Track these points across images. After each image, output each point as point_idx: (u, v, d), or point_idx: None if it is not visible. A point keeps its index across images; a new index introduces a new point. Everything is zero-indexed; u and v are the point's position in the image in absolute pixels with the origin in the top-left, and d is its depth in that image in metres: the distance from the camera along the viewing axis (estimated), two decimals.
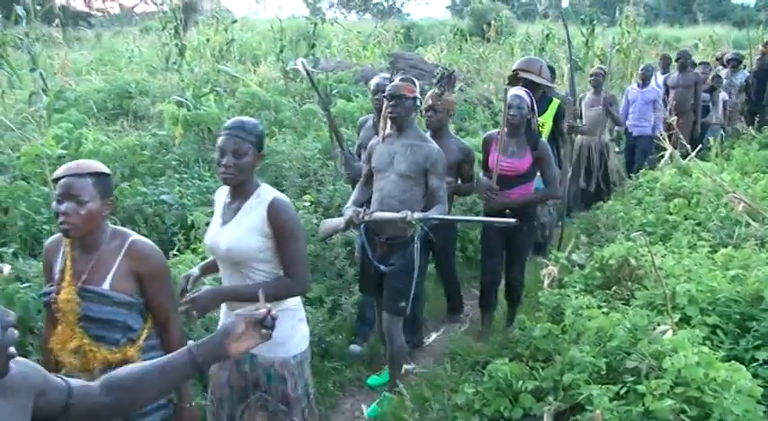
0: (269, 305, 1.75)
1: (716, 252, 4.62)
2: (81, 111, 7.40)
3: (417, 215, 3.65)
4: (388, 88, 3.88)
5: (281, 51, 10.82)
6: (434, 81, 4.25)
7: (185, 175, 5.81)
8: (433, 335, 5.08)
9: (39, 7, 8.08)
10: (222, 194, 2.89)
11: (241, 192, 2.73)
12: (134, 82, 9.24)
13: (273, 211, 2.63)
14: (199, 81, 8.92)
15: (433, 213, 3.73)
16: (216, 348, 1.65)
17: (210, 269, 3.00)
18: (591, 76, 7.90)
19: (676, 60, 9.62)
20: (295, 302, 2.86)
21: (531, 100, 4.56)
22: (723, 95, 10.11)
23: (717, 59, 12.26)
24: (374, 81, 4.81)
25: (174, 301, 2.57)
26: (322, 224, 4.22)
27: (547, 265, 4.55)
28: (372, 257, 3.96)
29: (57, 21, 11.41)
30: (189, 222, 4.65)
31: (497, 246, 4.79)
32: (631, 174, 8.27)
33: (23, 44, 7.09)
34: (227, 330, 1.67)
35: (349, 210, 3.89)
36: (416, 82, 3.92)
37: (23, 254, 4.29)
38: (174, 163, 6.05)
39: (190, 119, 6.60)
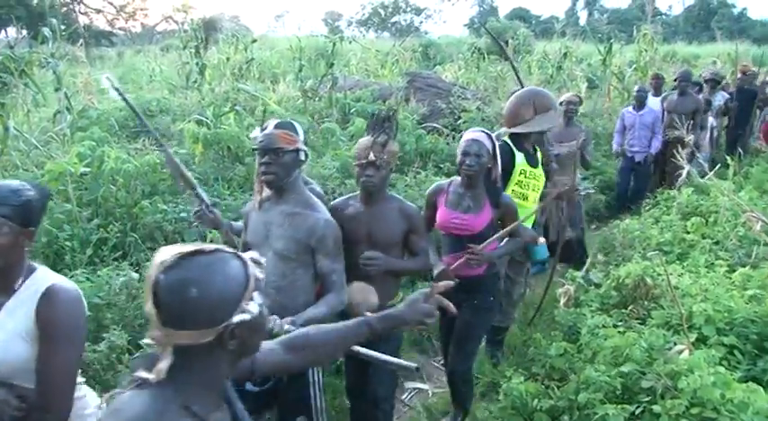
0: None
1: (734, 271, 4.62)
2: (103, 129, 7.52)
3: (288, 323, 2.64)
4: (259, 139, 2.96)
5: (300, 70, 10.92)
6: (370, 126, 3.30)
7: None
8: None
9: (63, 26, 8.24)
10: None
11: (2, 284, 2.03)
12: (155, 100, 9.39)
13: (45, 303, 1.97)
14: (219, 100, 9.04)
15: (312, 314, 2.79)
16: (395, 320, 1.86)
17: None
18: (563, 104, 6.45)
19: (674, 81, 8.87)
20: (90, 410, 2.20)
21: (493, 144, 3.64)
22: (711, 120, 9.27)
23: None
24: (255, 134, 3.51)
25: None
26: None
27: (563, 284, 4.56)
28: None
29: (81, 40, 11.64)
30: (208, 240, 4.72)
31: (448, 326, 3.86)
32: (631, 201, 8.18)
33: (49, 64, 7.24)
34: (411, 301, 1.87)
35: None
36: (299, 128, 3.03)
37: None
38: (194, 181, 6.13)
39: (210, 137, 6.69)
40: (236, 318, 1.36)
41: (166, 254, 1.37)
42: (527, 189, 4.31)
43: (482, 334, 3.95)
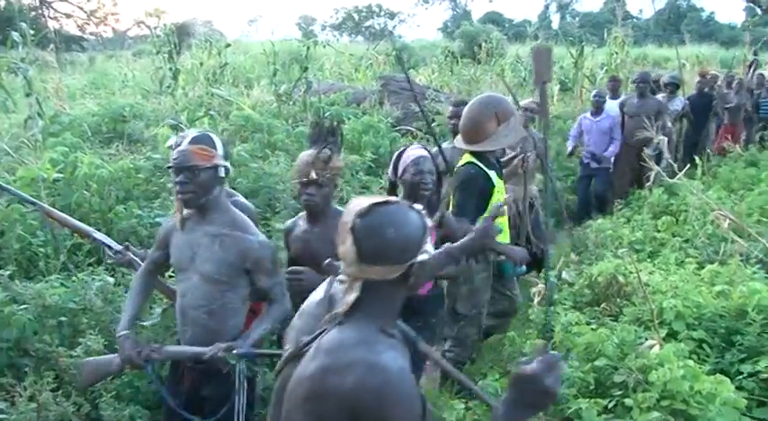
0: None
1: (702, 268, 4.72)
2: (76, 134, 7.46)
3: (238, 347, 2.65)
4: (173, 156, 2.75)
5: (275, 74, 10.93)
6: (312, 138, 3.05)
7: None
8: None
9: (32, 31, 8.17)
10: None
11: None
12: (128, 106, 9.32)
13: None
14: (193, 104, 9.01)
15: (257, 334, 2.77)
16: (470, 244, 2.52)
17: None
18: (521, 110, 5.82)
19: (633, 83, 8.32)
20: None
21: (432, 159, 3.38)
22: (668, 125, 8.51)
23: (653, 82, 10.45)
24: (171, 142, 3.50)
25: None
26: (82, 366, 3.09)
27: (537, 284, 4.62)
28: (176, 404, 2.84)
29: (51, 45, 11.53)
30: None
31: None
32: (598, 207, 7.98)
33: (19, 69, 7.17)
34: (478, 230, 2.54)
35: (127, 341, 2.79)
36: (217, 141, 2.82)
37: (19, 276, 4.34)
38: (168, 186, 6.11)
39: None
40: (420, 257, 1.61)
41: (360, 203, 1.62)
42: None
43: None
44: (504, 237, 3.88)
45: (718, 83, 10.39)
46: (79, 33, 31.30)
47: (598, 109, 7.92)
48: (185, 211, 2.84)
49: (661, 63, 21.05)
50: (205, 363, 2.70)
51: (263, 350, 2.78)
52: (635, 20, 45.60)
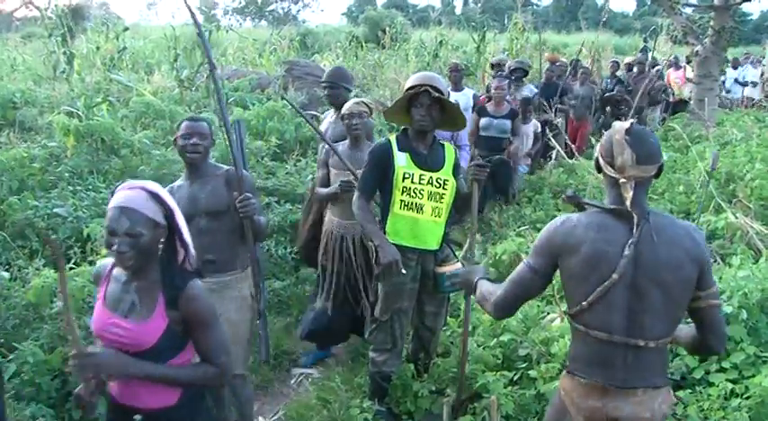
0: None
1: None
2: None
3: None
4: None
5: (176, 60, 10.64)
6: None
7: (79, 187, 5.65)
8: None
9: None
10: None
11: None
12: (19, 91, 8.88)
13: None
14: (90, 90, 8.67)
15: None
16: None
17: None
18: (345, 118, 4.03)
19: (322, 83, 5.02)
20: None
21: (164, 206, 2.21)
22: (534, 125, 7.45)
23: (492, 67, 9.56)
24: None
25: None
26: None
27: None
28: None
29: None
30: (85, 235, 4.56)
31: None
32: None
33: None
34: None
35: None
36: None
37: None
38: (66, 175, 5.88)
39: (82, 129, 6.42)
40: (662, 160, 2.16)
41: (621, 125, 2.15)
42: (420, 197, 3.44)
43: None
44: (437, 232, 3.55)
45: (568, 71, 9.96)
46: None
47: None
48: None
49: (559, 49, 21.73)
50: None
51: None
52: (535, 6, 46.89)
